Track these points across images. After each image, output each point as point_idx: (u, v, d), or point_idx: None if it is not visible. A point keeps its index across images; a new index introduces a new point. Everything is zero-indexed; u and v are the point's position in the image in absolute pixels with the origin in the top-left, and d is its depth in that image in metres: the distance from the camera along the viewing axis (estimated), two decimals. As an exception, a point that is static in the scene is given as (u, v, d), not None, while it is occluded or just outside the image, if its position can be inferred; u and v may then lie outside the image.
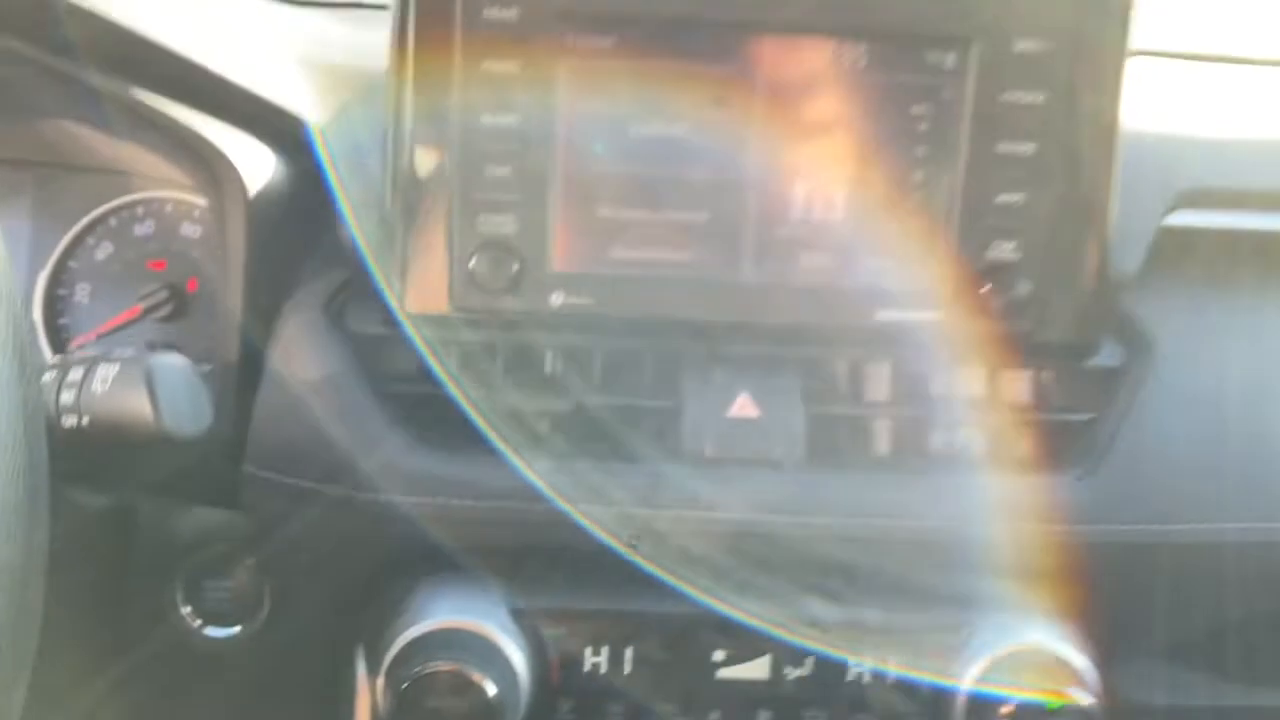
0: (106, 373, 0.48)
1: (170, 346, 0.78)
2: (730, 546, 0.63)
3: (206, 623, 0.70)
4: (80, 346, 0.81)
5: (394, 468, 0.64)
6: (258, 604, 0.70)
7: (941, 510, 0.65)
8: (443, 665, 0.60)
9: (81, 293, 0.81)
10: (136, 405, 0.47)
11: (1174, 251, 0.69)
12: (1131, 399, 0.67)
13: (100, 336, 0.81)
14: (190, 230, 0.81)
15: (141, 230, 0.81)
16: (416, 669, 0.60)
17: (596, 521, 0.62)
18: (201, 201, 0.79)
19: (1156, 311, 0.69)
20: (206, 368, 0.77)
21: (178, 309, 0.79)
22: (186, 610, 0.70)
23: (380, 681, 0.62)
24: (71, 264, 0.81)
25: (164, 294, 0.79)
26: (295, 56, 0.73)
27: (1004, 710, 0.63)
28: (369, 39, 0.88)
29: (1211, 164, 0.71)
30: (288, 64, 0.71)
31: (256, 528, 0.66)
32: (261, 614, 0.71)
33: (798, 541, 0.63)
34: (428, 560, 0.64)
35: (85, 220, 0.81)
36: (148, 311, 0.79)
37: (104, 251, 0.81)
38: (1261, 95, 0.91)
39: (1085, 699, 0.62)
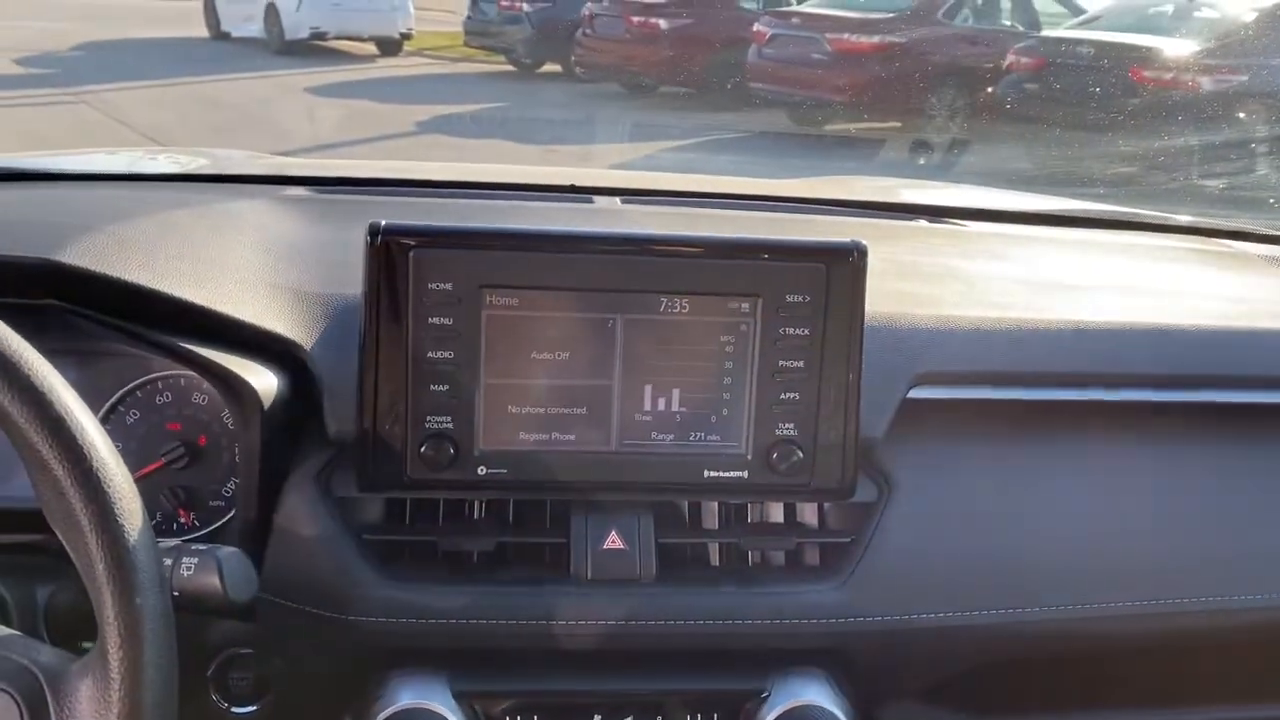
0: (190, 562, 0.74)
1: (187, 490, 1.04)
2: (607, 641, 0.92)
3: (232, 705, 0.96)
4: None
5: (368, 597, 0.91)
6: (270, 689, 0.96)
7: (754, 611, 0.94)
8: None
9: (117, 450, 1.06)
10: (211, 584, 0.74)
11: (915, 416, 0.99)
12: (880, 524, 0.97)
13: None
14: (199, 399, 1.06)
15: (161, 400, 1.06)
16: None
17: (512, 630, 0.90)
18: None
19: (901, 459, 0.99)
20: (219, 503, 1.03)
21: (192, 460, 1.05)
22: (215, 697, 0.96)
23: None
24: (107, 427, 1.05)
25: (181, 449, 1.04)
26: (282, 281, 1.00)
27: None
28: (330, 236, 1.15)
29: (943, 352, 1.01)
30: (280, 293, 0.98)
31: (269, 637, 0.93)
32: (272, 697, 0.96)
33: (652, 638, 0.92)
34: (395, 659, 0.91)
35: (118, 394, 1.05)
36: (169, 464, 1.04)
37: (133, 417, 1.06)
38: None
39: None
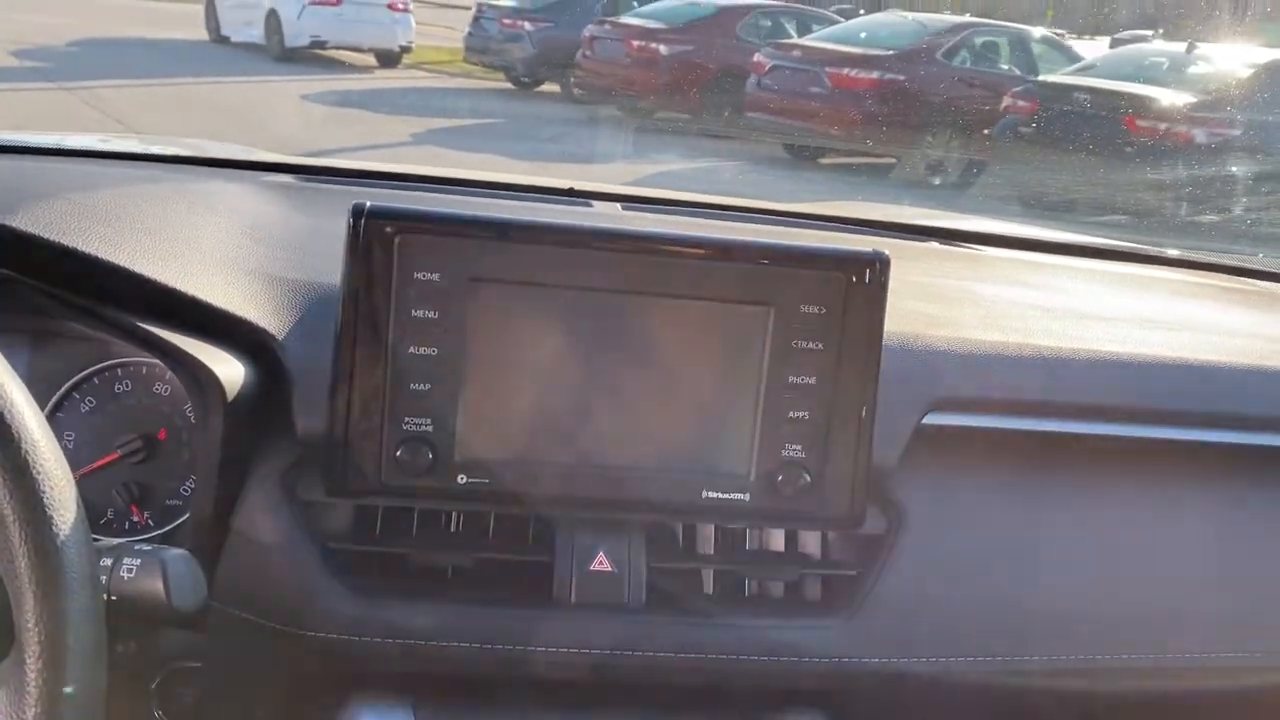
0: (131, 563, 0.66)
1: (142, 486, 0.97)
2: (589, 672, 0.84)
3: None
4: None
5: (329, 611, 0.82)
6: (218, 704, 0.88)
7: (749, 646, 0.87)
8: None
9: (67, 439, 0.98)
10: (153, 589, 0.66)
11: (929, 444, 0.93)
12: (889, 559, 0.90)
13: (82, 477, 0.98)
14: (161, 389, 0.98)
15: (120, 388, 0.99)
16: None
17: (486, 655, 0.82)
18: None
19: (913, 490, 0.92)
20: (176, 502, 0.95)
21: (149, 455, 0.97)
22: (158, 714, 0.88)
23: None
24: (59, 415, 0.98)
25: (138, 443, 0.96)
26: (255, 265, 0.93)
27: None
28: (311, 224, 1.08)
29: (961, 376, 0.95)
30: (254, 278, 0.90)
31: (219, 650, 0.84)
32: (220, 713, 0.88)
33: (639, 670, 0.84)
34: (356, 682, 0.83)
35: (73, 380, 0.98)
36: (125, 456, 0.97)
37: (88, 405, 0.98)
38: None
39: None
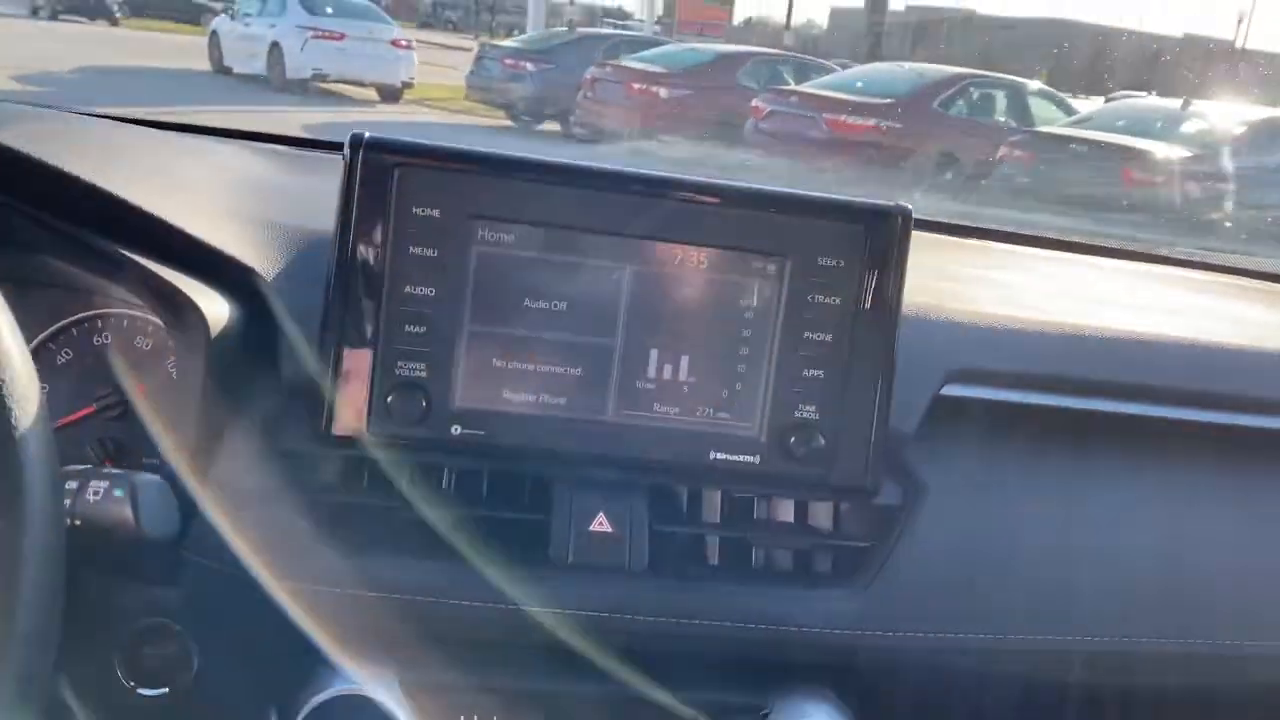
0: (98, 486, 0.61)
1: (117, 442, 0.92)
2: (585, 636, 0.79)
3: (140, 684, 0.82)
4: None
5: (310, 563, 0.77)
6: (186, 669, 0.82)
7: (755, 615, 0.82)
8: None
9: (41, 391, 0.93)
10: (120, 514, 0.61)
11: (948, 415, 0.88)
12: (904, 531, 0.85)
13: (56, 430, 0.93)
14: (142, 343, 0.94)
15: (99, 341, 0.94)
16: None
17: (476, 614, 0.77)
18: (154, 319, 0.92)
19: (931, 462, 0.88)
20: (153, 460, 0.90)
21: (126, 411, 0.92)
22: (121, 673, 0.82)
23: None
24: (34, 365, 0.93)
25: (116, 397, 0.92)
26: (250, 212, 0.89)
27: None
28: (311, 184, 1.04)
29: (980, 348, 0.91)
30: (247, 222, 0.86)
31: (192, 604, 0.79)
32: (189, 677, 0.82)
33: (638, 637, 0.79)
34: (337, 639, 0.76)
35: (51, 329, 0.93)
36: (101, 411, 0.92)
37: (64, 357, 0.93)
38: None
39: None
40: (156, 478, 0.64)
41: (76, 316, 0.93)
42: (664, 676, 0.80)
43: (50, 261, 0.88)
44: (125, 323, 0.93)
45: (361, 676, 0.75)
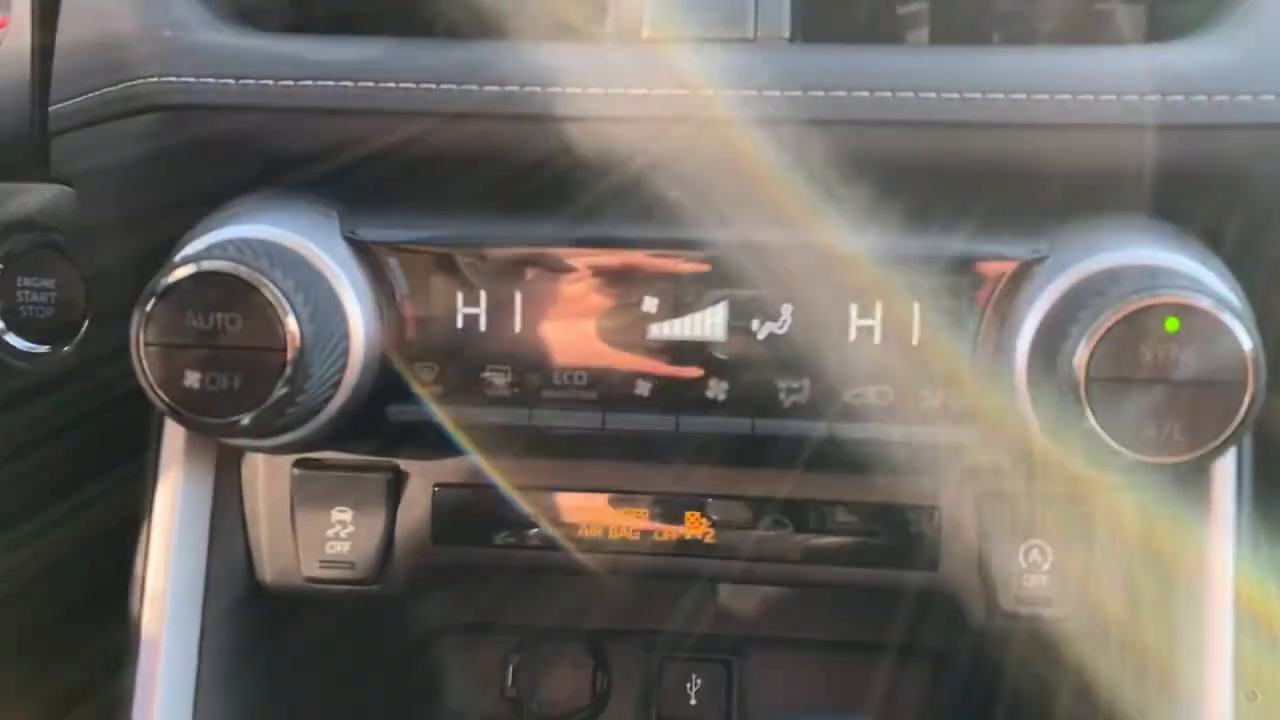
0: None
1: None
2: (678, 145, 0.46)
3: (16, 331, 0.62)
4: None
5: (198, 46, 0.51)
6: (75, 327, 0.62)
7: (1021, 83, 0.47)
8: (231, 268, 0.45)
9: None
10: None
11: None
12: None
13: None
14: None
15: None
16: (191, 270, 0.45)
17: (463, 105, 0.45)
18: None
19: None
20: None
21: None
22: None
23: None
24: None
25: None
26: None
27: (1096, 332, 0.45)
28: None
29: None
30: None
31: (64, 161, 0.57)
32: (77, 337, 0.62)
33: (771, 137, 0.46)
34: (252, 177, 0.52)
35: None
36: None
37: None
38: None
39: (1203, 303, 0.45)
40: None
41: None
42: (828, 207, 0.50)
43: None
44: None
45: (281, 219, 0.49)
